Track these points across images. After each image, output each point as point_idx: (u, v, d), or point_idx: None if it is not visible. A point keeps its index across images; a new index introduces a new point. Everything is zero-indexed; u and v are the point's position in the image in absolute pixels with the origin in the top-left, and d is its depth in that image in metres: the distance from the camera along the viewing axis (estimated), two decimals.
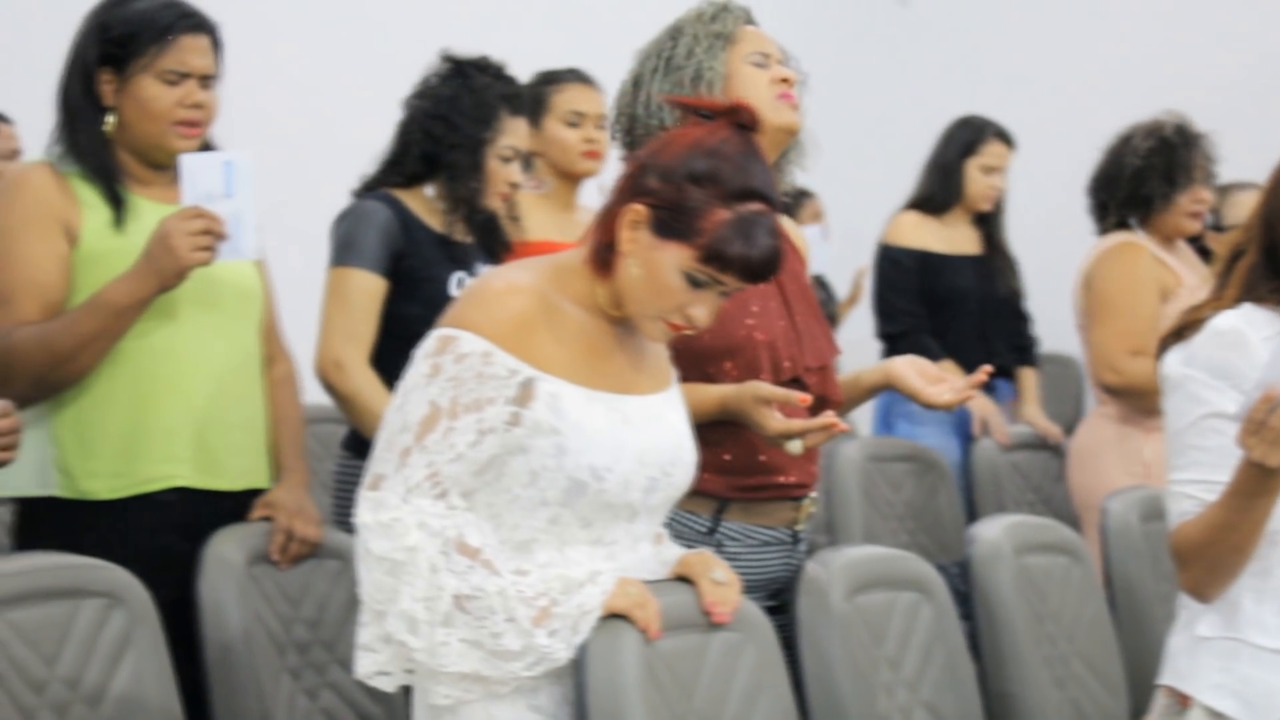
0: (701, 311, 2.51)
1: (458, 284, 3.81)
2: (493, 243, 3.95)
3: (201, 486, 3.24)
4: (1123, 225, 4.93)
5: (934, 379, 3.05)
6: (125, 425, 3.17)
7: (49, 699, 2.79)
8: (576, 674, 2.46)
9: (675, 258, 2.47)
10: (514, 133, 3.91)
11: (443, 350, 2.45)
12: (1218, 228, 5.18)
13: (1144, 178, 4.85)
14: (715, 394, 2.84)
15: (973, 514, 5.10)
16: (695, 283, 2.48)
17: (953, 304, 5.44)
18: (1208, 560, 2.74)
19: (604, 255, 2.52)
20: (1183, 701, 2.80)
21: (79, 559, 2.92)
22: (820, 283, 7.23)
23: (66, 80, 3.24)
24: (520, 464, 2.46)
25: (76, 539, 3.08)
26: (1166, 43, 7.18)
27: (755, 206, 2.47)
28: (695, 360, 2.81)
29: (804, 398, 2.76)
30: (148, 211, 3.20)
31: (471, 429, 2.43)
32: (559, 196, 4.52)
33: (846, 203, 7.50)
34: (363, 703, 3.35)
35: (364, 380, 3.71)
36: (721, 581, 2.62)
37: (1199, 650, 2.79)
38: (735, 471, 2.94)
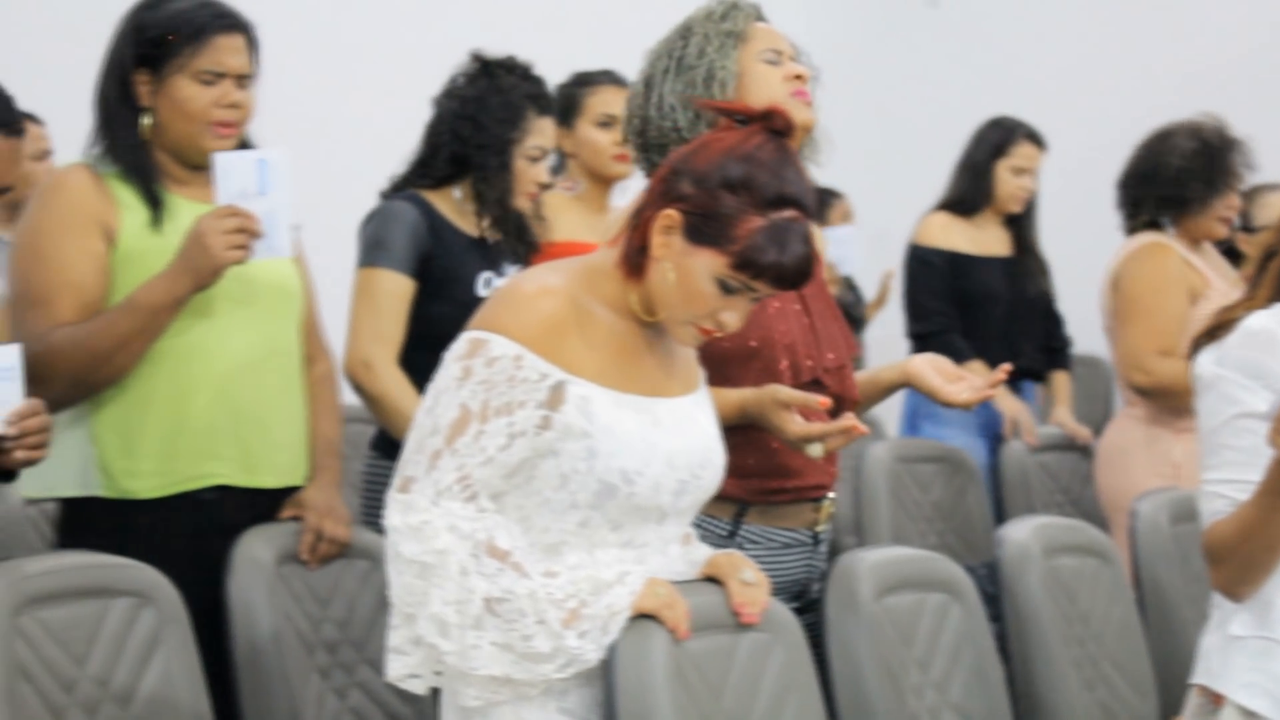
0: (733, 317, 2.51)
1: (485, 284, 3.81)
2: (520, 243, 3.95)
3: (243, 484, 3.25)
4: (1153, 224, 4.91)
5: (953, 377, 3.04)
6: (165, 424, 3.18)
7: (79, 697, 2.80)
8: (605, 675, 2.46)
9: (708, 264, 2.46)
10: (541, 133, 3.91)
11: (474, 353, 2.45)
12: (1246, 228, 5.17)
13: (1184, 179, 4.83)
14: (735, 398, 2.83)
15: (1001, 515, 5.09)
16: (727, 289, 2.47)
17: (981, 305, 5.42)
18: (1240, 559, 2.74)
19: (636, 259, 2.51)
20: (1215, 701, 2.79)
21: (109, 558, 2.94)
22: (849, 284, 7.23)
23: (103, 82, 3.25)
24: (551, 467, 2.46)
25: (118, 538, 3.09)
26: (1194, 43, 7.16)
27: (789, 213, 2.46)
28: (715, 363, 2.80)
29: (824, 401, 2.76)
30: (185, 211, 3.20)
31: (502, 432, 2.43)
32: (591, 198, 4.52)
33: (875, 203, 7.49)
34: (391, 703, 3.35)
35: (392, 381, 3.72)
36: (750, 582, 2.62)
37: (1231, 649, 2.79)
38: (754, 474, 2.93)
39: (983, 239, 5.50)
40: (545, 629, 2.41)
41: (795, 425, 2.79)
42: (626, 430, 2.47)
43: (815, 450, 2.79)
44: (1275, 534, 2.70)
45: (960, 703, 3.15)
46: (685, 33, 3.01)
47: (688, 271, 2.47)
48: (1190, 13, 7.25)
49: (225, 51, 3.22)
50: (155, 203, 3.20)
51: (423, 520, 2.42)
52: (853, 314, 7.22)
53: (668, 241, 2.48)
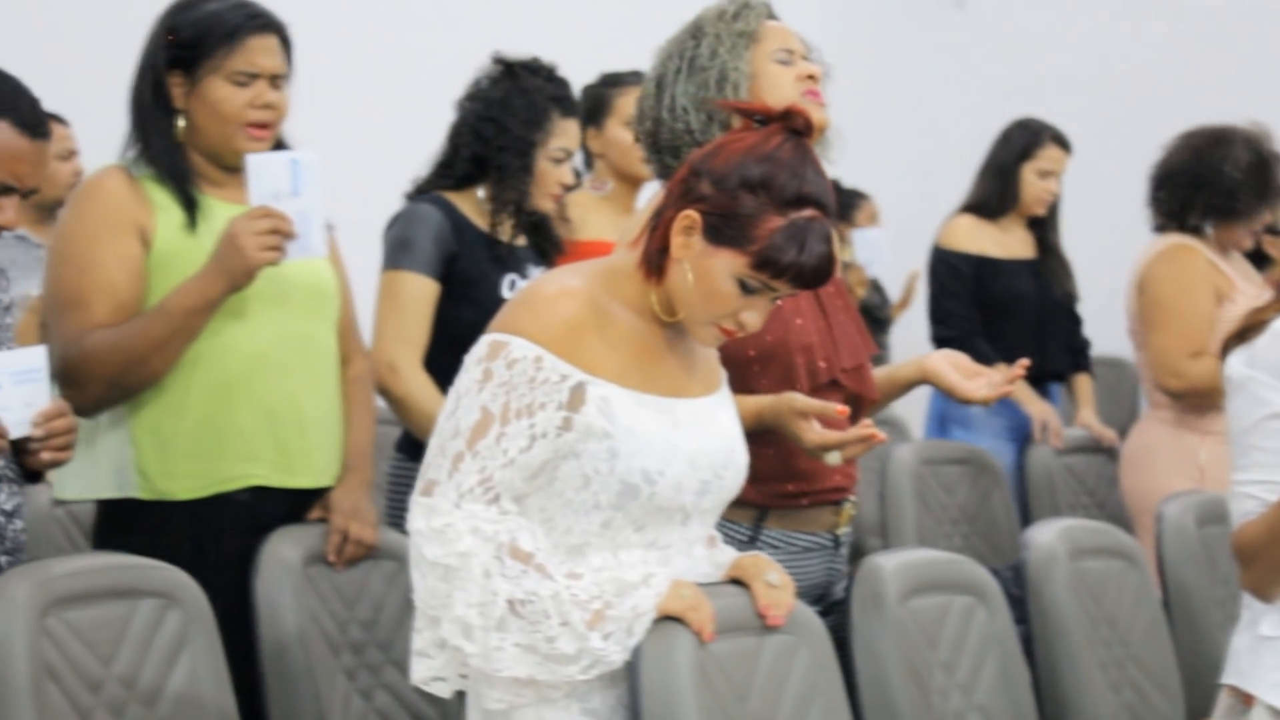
0: (753, 316, 2.51)
1: (510, 286, 3.81)
2: (544, 244, 3.96)
3: (279, 485, 3.25)
4: (1192, 228, 4.87)
5: (971, 373, 3.04)
6: (201, 425, 3.18)
7: (105, 698, 2.80)
8: (630, 677, 2.46)
9: (728, 264, 2.46)
10: (566, 134, 3.91)
11: (494, 356, 2.45)
12: (1273, 231, 5.15)
13: (1238, 191, 4.79)
14: (752, 405, 2.83)
15: (1027, 518, 5.08)
16: (747, 289, 2.47)
17: (1010, 309, 5.41)
18: (1270, 560, 2.74)
19: (656, 260, 2.51)
20: (1245, 701, 2.79)
21: (135, 559, 2.94)
22: (875, 285, 7.22)
23: (138, 84, 3.26)
24: (573, 468, 2.46)
25: (155, 540, 3.11)
26: (1220, 46, 7.14)
27: (808, 213, 2.46)
28: (733, 367, 2.80)
29: (842, 409, 2.76)
30: (220, 213, 3.21)
31: (523, 434, 2.43)
32: (619, 198, 4.52)
33: (901, 205, 7.49)
34: (417, 704, 3.36)
35: (417, 383, 3.72)
36: (775, 584, 2.62)
37: (1262, 649, 2.79)
38: (773, 479, 2.93)
39: (1008, 242, 5.49)
40: (569, 630, 2.41)
41: (813, 434, 2.79)
42: (647, 430, 2.47)
43: (834, 458, 2.80)
44: None
45: (986, 705, 3.14)
46: (696, 33, 2.99)
47: (708, 272, 2.47)
48: (1216, 15, 7.22)
49: (259, 52, 3.22)
50: (190, 205, 3.21)
51: (445, 523, 2.43)
52: (878, 315, 7.22)
53: (688, 242, 2.48)
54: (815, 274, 2.48)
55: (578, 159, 4.11)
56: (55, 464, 2.91)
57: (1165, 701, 3.57)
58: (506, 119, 3.86)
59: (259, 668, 3.18)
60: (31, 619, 2.71)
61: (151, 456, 3.18)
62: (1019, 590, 3.47)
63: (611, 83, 4.55)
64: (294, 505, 3.30)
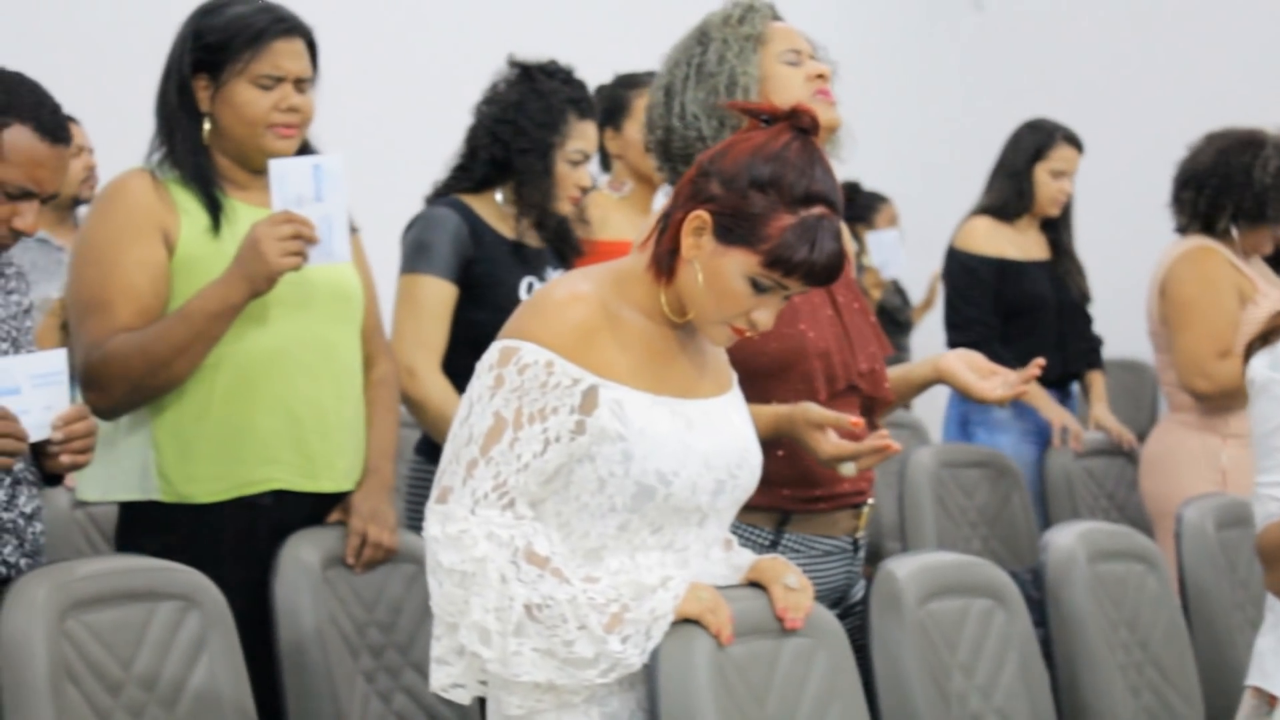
0: (765, 315, 2.51)
1: (528, 289, 3.82)
2: (563, 247, 3.96)
3: (301, 489, 3.26)
4: (1221, 232, 4.86)
5: (986, 373, 3.03)
6: (224, 429, 3.19)
7: (124, 700, 2.81)
8: (648, 680, 2.46)
9: (739, 263, 2.47)
10: (583, 136, 3.92)
11: (505, 361, 2.45)
12: None
13: (1268, 196, 4.78)
14: (768, 414, 2.83)
15: (1046, 520, 5.07)
16: (759, 287, 2.48)
17: (1031, 311, 5.40)
18: None
19: (666, 261, 2.52)
20: (1270, 702, 2.79)
21: (155, 562, 2.95)
22: (895, 287, 7.22)
23: (163, 87, 3.27)
24: (587, 471, 2.46)
25: (177, 542, 3.12)
26: (1237, 48, 7.13)
27: (818, 210, 2.47)
28: (749, 376, 2.79)
29: (857, 421, 2.76)
30: (245, 216, 3.22)
31: (537, 438, 2.43)
32: (638, 199, 4.52)
33: (920, 207, 7.49)
34: (435, 707, 3.36)
35: (435, 386, 3.73)
36: (794, 587, 2.62)
37: None
38: (793, 484, 2.93)
39: (1025, 244, 5.49)
40: (587, 634, 2.41)
41: (828, 444, 2.79)
42: (661, 432, 2.47)
43: (849, 469, 2.80)
44: None
45: (1004, 708, 3.13)
46: (702, 39, 2.99)
47: (719, 271, 2.47)
48: (1231, 17, 7.21)
49: (284, 56, 3.23)
50: (215, 208, 3.22)
51: (461, 529, 2.43)
52: (899, 318, 7.22)
53: (698, 243, 2.48)
54: (826, 271, 2.48)
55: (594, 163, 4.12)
56: (74, 467, 2.92)
57: (1184, 704, 3.56)
58: (523, 122, 3.86)
59: (278, 670, 3.19)
60: (51, 621, 2.72)
61: (173, 459, 3.19)
62: (1038, 593, 3.46)
63: (628, 84, 4.55)
64: (316, 509, 3.30)
